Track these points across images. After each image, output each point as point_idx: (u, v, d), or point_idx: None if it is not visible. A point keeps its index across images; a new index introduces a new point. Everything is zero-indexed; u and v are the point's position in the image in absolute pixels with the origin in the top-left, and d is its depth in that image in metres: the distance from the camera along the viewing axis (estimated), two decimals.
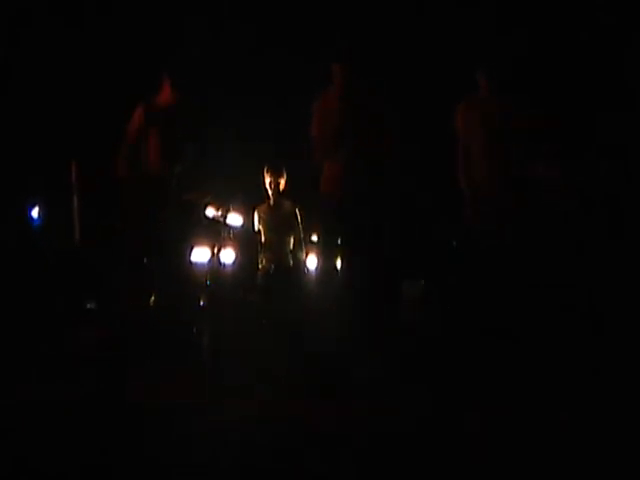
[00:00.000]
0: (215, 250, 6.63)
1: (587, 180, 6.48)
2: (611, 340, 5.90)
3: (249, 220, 6.92)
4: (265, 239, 6.99)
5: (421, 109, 7.41)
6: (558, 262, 6.40)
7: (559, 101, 6.87)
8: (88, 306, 7.07)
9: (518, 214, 6.33)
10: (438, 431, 4.59)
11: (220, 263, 6.67)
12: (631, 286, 6.31)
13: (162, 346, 6.11)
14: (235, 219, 6.85)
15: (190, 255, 6.43)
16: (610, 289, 6.32)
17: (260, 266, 6.98)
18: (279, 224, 6.94)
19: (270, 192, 6.95)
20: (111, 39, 7.75)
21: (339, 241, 6.60)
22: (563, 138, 6.49)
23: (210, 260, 6.55)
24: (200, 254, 6.46)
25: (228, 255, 6.76)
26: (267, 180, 6.96)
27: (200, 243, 6.46)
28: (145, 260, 6.46)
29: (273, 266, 6.92)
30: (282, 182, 6.94)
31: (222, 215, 6.73)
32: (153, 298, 6.45)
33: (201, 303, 6.40)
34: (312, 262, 7.01)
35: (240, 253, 6.91)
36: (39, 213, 7.66)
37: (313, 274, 6.95)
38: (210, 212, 6.66)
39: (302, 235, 7.01)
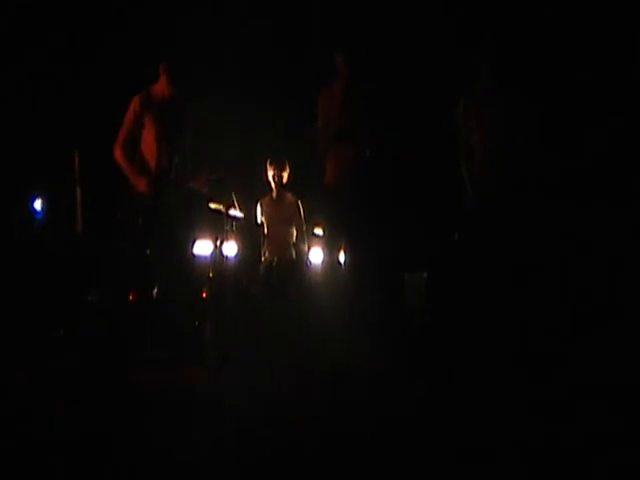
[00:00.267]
0: (218, 243, 6.64)
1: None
2: (614, 333, 5.92)
3: (252, 213, 6.94)
4: (268, 231, 7.00)
5: (423, 103, 7.40)
6: (560, 252, 6.41)
7: (564, 94, 6.83)
8: (90, 298, 7.07)
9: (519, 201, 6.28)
10: (438, 420, 4.61)
11: (223, 256, 6.68)
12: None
13: (163, 338, 6.11)
14: (237, 211, 6.86)
15: (192, 247, 6.44)
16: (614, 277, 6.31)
17: (263, 258, 6.99)
18: (282, 216, 6.97)
19: (273, 185, 6.96)
20: (111, 32, 7.73)
21: (342, 233, 6.60)
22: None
23: (213, 253, 6.56)
24: (203, 247, 6.47)
25: (231, 248, 6.76)
26: (270, 173, 6.98)
27: (202, 236, 6.47)
28: (147, 252, 6.46)
29: (276, 258, 6.94)
30: (285, 175, 6.96)
31: (225, 207, 6.73)
32: (156, 290, 6.45)
33: (203, 296, 6.42)
34: (315, 255, 7.03)
35: (243, 245, 6.92)
36: (42, 205, 7.65)
37: (316, 267, 6.97)
38: (212, 204, 6.67)
39: (305, 228, 7.02)
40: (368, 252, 6.47)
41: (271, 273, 6.96)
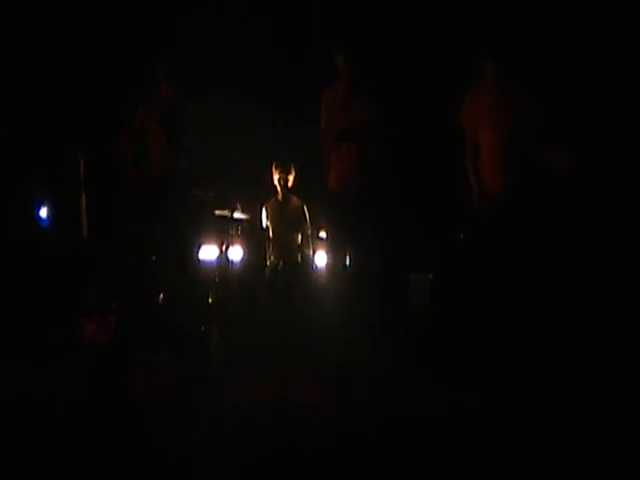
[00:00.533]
0: (223, 247, 6.65)
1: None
2: (614, 332, 5.92)
3: (257, 216, 6.94)
4: (273, 235, 7.00)
5: (424, 102, 7.38)
6: (560, 252, 6.40)
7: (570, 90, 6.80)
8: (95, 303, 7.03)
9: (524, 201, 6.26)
10: (438, 420, 4.62)
11: (228, 260, 6.68)
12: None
13: (169, 343, 6.11)
14: (242, 216, 6.86)
15: (198, 253, 6.44)
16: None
17: (268, 262, 7.00)
18: (287, 220, 6.96)
19: (278, 188, 6.96)
20: (111, 32, 7.72)
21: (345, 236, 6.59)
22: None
23: (218, 258, 6.57)
24: (208, 252, 6.47)
25: (236, 252, 6.77)
26: (275, 176, 6.98)
27: (208, 241, 6.47)
28: (153, 257, 6.47)
29: (281, 262, 6.94)
30: (290, 178, 6.96)
31: (229, 212, 6.74)
32: (162, 296, 6.45)
33: (209, 301, 6.42)
34: (320, 259, 7.02)
35: (248, 250, 6.92)
36: (47, 212, 7.62)
37: (321, 270, 6.96)
38: (217, 210, 6.68)
39: (310, 232, 7.02)
40: (371, 255, 6.47)
41: (276, 277, 6.96)
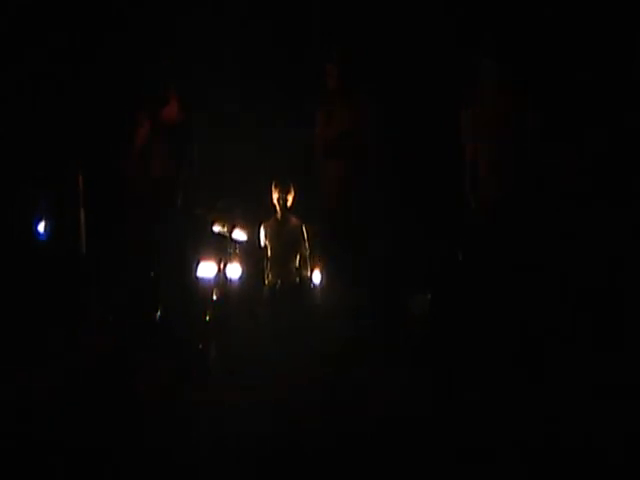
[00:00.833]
0: (221, 265, 6.63)
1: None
2: (614, 332, 5.92)
3: (255, 235, 6.93)
4: (271, 254, 7.00)
5: (422, 110, 7.38)
6: (560, 252, 6.40)
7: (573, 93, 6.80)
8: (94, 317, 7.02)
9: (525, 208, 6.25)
10: (438, 420, 4.62)
11: (226, 278, 6.66)
12: None
13: (166, 360, 6.08)
14: (240, 234, 6.84)
15: (196, 270, 6.42)
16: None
17: (266, 281, 7.00)
18: (286, 239, 6.97)
19: (278, 207, 6.96)
20: (111, 32, 7.72)
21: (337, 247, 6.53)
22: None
23: (216, 275, 6.55)
24: (206, 269, 6.45)
25: (234, 270, 6.75)
26: (275, 196, 6.99)
27: (206, 258, 6.45)
28: (152, 274, 6.45)
29: (279, 281, 6.94)
30: (290, 198, 6.96)
31: (228, 230, 6.71)
32: (159, 313, 6.43)
33: (207, 318, 6.39)
34: (317, 277, 7.01)
35: (246, 268, 6.91)
36: (45, 227, 7.58)
37: (318, 289, 6.95)
38: (216, 227, 6.66)
39: (308, 253, 7.02)
40: (361, 274, 6.39)
41: (275, 296, 6.96)
